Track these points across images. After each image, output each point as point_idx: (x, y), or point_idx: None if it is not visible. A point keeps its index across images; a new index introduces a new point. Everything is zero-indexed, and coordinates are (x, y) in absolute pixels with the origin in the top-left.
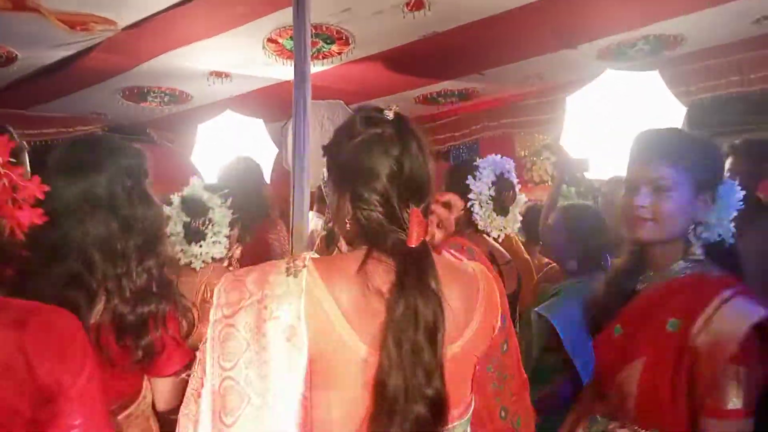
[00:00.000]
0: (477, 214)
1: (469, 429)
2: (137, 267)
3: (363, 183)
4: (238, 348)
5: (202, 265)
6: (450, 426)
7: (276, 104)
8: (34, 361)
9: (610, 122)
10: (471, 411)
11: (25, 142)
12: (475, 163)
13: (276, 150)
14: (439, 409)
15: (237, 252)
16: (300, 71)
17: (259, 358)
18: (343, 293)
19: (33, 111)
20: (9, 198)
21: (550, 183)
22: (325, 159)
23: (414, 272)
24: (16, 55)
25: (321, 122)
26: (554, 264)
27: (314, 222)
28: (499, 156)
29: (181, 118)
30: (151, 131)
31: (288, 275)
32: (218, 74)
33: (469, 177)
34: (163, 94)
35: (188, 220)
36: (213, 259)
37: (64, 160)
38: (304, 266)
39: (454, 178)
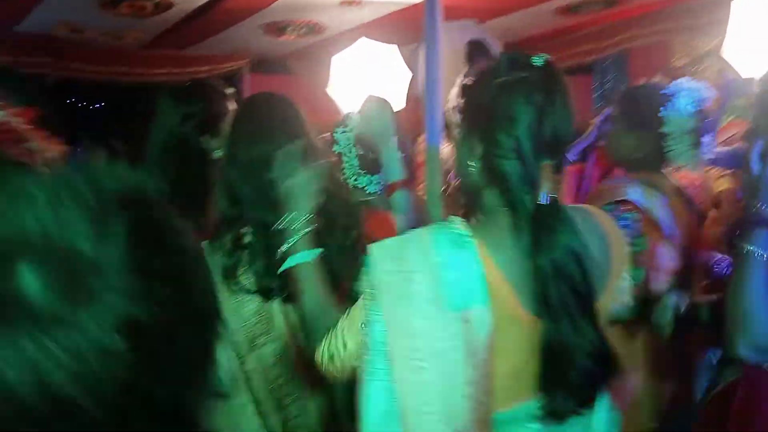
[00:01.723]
0: (673, 151)
1: None
2: None
3: (499, 127)
4: (421, 327)
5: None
6: None
7: (409, 27)
8: None
9: None
10: None
11: None
12: (664, 91)
13: (410, 75)
14: (606, 361)
15: None
16: None
17: (443, 340)
18: (506, 259)
19: (188, 51)
20: (39, 158)
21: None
22: (457, 94)
23: (549, 230)
24: (172, 1)
25: (453, 44)
26: None
27: (444, 150)
28: (688, 79)
29: (317, 48)
30: (291, 64)
31: (455, 247)
32: (350, 2)
33: (662, 107)
34: (299, 27)
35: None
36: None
37: None
38: (470, 236)
39: (637, 108)
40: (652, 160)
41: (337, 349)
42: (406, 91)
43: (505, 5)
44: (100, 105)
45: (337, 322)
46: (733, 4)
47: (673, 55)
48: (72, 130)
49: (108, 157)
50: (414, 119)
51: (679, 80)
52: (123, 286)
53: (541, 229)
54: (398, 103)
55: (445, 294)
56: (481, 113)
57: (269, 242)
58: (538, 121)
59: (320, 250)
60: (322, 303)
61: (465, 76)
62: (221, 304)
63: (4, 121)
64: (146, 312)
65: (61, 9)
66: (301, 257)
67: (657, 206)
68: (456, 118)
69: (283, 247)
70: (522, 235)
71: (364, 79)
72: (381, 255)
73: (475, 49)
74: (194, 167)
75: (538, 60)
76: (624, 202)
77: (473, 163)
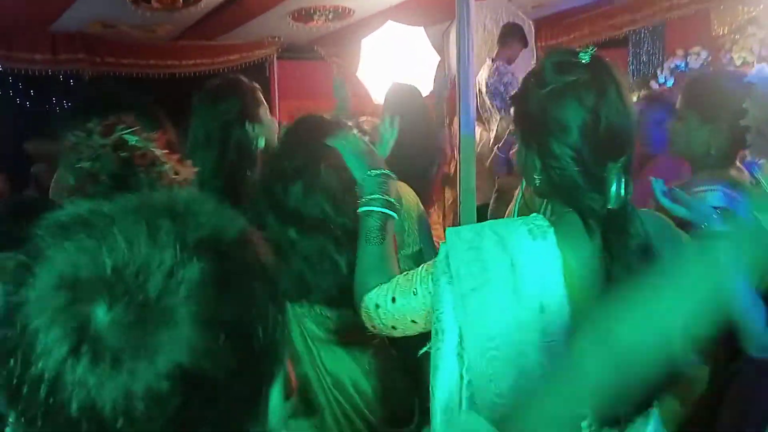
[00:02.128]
0: (754, 147)
1: None
2: None
3: (553, 137)
4: (499, 320)
5: None
6: None
7: (436, 7)
8: None
9: None
10: None
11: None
12: (747, 79)
13: (438, 58)
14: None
15: None
16: None
17: (519, 331)
18: (580, 256)
19: (217, 41)
20: (170, 180)
21: (755, 64)
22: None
23: (618, 238)
24: None
25: (483, 23)
26: None
27: (477, 131)
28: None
29: (345, 32)
30: (319, 48)
31: (534, 238)
32: None
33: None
34: (327, 12)
35: None
36: None
37: None
38: (550, 226)
39: (711, 98)
40: (724, 156)
41: (385, 301)
42: (434, 74)
43: None
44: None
45: (392, 277)
46: None
47: (711, 24)
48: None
49: (202, 193)
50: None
51: (761, 66)
52: (185, 337)
53: (612, 234)
54: (425, 86)
55: (522, 284)
56: (533, 124)
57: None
58: (593, 123)
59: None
60: (386, 255)
61: (493, 60)
62: (283, 342)
63: (141, 146)
64: (204, 363)
65: (95, 6)
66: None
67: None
68: (513, 126)
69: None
70: (595, 237)
71: (392, 63)
72: (459, 243)
73: (510, 32)
74: (239, 154)
75: (584, 56)
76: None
77: (536, 176)
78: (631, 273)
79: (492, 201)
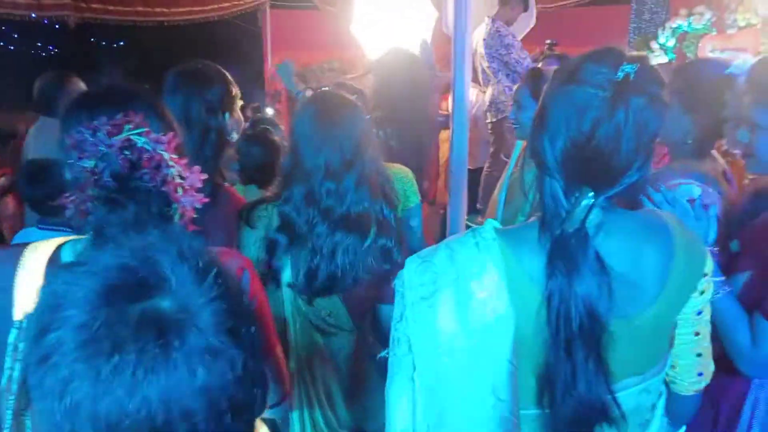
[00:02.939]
0: (730, 139)
1: (663, 386)
2: None
3: (548, 139)
4: (445, 330)
5: None
6: (640, 387)
7: None
8: None
9: None
10: (666, 367)
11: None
12: (730, 71)
13: (436, 14)
14: (597, 406)
15: None
16: None
17: (468, 338)
18: (533, 266)
19: None
20: (178, 186)
21: (758, 26)
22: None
23: (566, 255)
24: None
25: None
26: None
27: (472, 93)
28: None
29: None
30: None
31: (480, 250)
32: None
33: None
34: None
35: None
36: None
37: None
38: (494, 239)
39: (699, 87)
40: (699, 147)
41: None
42: (431, 31)
43: None
44: (121, 44)
45: None
46: None
47: None
48: (95, 67)
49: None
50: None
51: (743, 58)
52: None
53: (560, 258)
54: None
55: (466, 295)
56: (538, 117)
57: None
58: (587, 140)
59: None
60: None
61: (493, 20)
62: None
63: (149, 148)
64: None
65: None
66: None
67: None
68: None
69: None
70: (545, 252)
71: (388, 19)
72: (415, 259)
73: None
74: (213, 143)
75: (628, 68)
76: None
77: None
78: (564, 309)
79: (486, 166)
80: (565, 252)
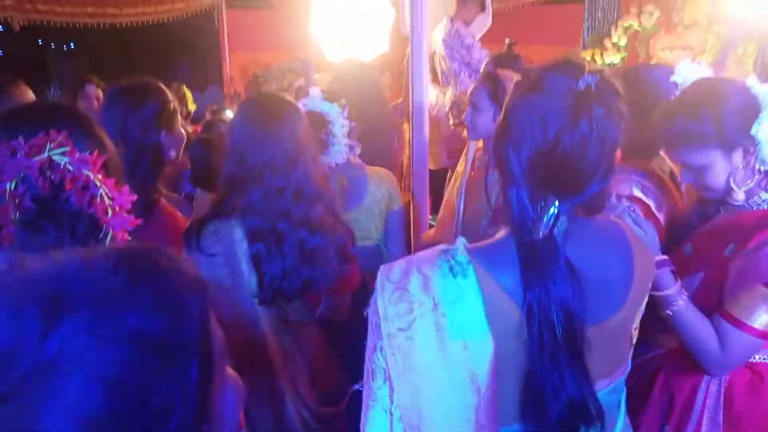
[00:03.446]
0: None
1: (624, 389)
2: None
3: (513, 147)
4: (424, 360)
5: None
6: (609, 387)
7: None
8: None
9: None
10: (629, 366)
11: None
12: (672, 79)
13: (393, 15)
14: (584, 412)
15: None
16: None
17: (447, 368)
18: (510, 283)
19: None
20: (107, 207)
21: (704, 24)
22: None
23: (541, 271)
24: None
25: None
26: None
27: (432, 94)
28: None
29: None
30: None
31: (455, 275)
32: None
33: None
34: None
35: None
36: (336, 164)
37: None
38: (469, 262)
39: (646, 92)
40: (646, 148)
41: None
42: (388, 32)
43: None
44: (72, 46)
45: None
46: None
47: None
48: (43, 70)
49: None
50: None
51: (684, 63)
52: None
53: (533, 267)
54: (382, 45)
55: (445, 324)
56: (501, 128)
57: None
58: (552, 148)
59: None
60: None
61: (452, 21)
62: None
63: (71, 168)
64: None
65: None
66: None
67: (656, 201)
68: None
69: None
70: (520, 263)
71: (345, 18)
72: (387, 283)
73: None
74: (148, 161)
75: (589, 79)
76: (632, 198)
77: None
78: (543, 314)
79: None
80: (537, 261)
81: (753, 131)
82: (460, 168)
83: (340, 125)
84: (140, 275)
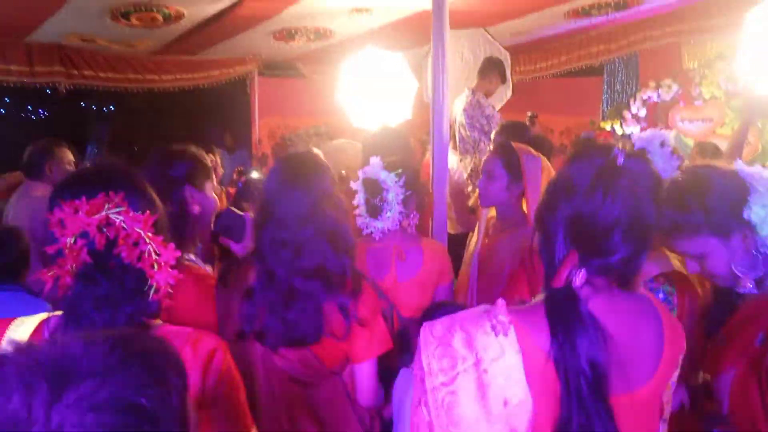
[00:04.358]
0: None
1: None
2: None
3: (547, 210)
4: (466, 415)
5: (380, 236)
6: None
7: (417, 33)
8: None
9: None
10: None
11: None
12: (638, 146)
13: (417, 84)
14: None
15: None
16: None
17: (489, 423)
18: (546, 346)
19: (200, 56)
20: (154, 262)
21: (722, 99)
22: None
23: (563, 317)
24: (183, 12)
25: (461, 53)
26: None
27: (451, 159)
28: (657, 128)
29: (326, 52)
30: (300, 66)
31: (497, 334)
32: (359, 10)
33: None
34: (308, 33)
35: (368, 197)
36: (388, 230)
37: None
38: (510, 322)
39: None
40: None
41: None
42: (412, 101)
43: (515, 9)
44: (111, 108)
45: None
46: (747, 15)
47: (682, 58)
48: (84, 131)
49: None
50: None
51: (652, 133)
52: None
53: (559, 322)
54: (405, 113)
55: (486, 380)
56: (545, 190)
57: None
58: (577, 209)
59: None
60: None
61: (473, 91)
62: None
63: (125, 227)
64: None
65: (73, 20)
66: None
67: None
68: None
69: None
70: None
71: (371, 88)
72: (430, 338)
73: (491, 66)
74: (182, 213)
75: (617, 153)
76: (658, 275)
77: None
78: (574, 373)
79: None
80: (561, 314)
81: (745, 215)
82: (474, 237)
83: (394, 193)
84: (132, 355)
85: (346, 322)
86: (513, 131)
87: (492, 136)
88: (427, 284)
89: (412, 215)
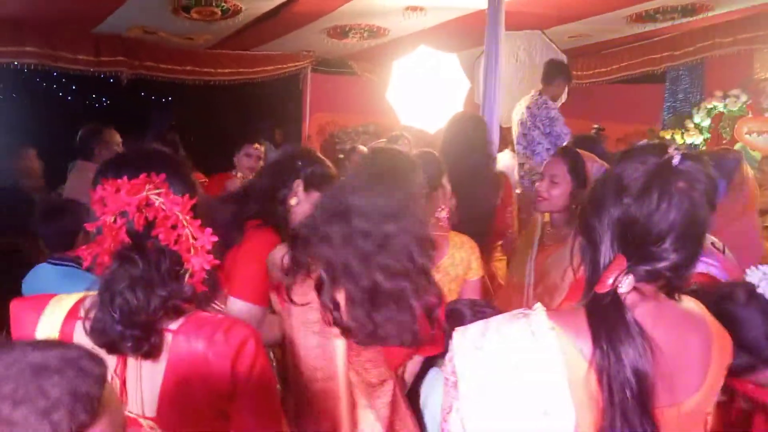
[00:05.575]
0: None
1: None
2: None
3: (594, 213)
4: (501, 425)
5: None
6: None
7: (471, 33)
8: None
9: None
10: None
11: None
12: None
13: (469, 85)
14: None
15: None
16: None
17: (520, 422)
18: (589, 353)
19: (255, 51)
20: (190, 246)
21: None
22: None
23: (607, 325)
24: (241, 7)
25: (516, 54)
26: None
27: (504, 160)
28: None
29: (379, 50)
30: (353, 64)
31: (536, 340)
32: (413, 8)
33: None
34: (362, 30)
35: None
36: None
37: None
38: (552, 328)
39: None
40: None
41: None
42: (463, 101)
43: (574, 12)
44: (169, 99)
45: None
46: None
47: (753, 67)
48: (143, 120)
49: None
50: None
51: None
52: None
53: (602, 329)
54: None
55: (525, 386)
56: (590, 192)
57: None
58: (623, 213)
59: None
60: None
61: (540, 93)
62: None
63: (164, 208)
64: None
65: (137, 13)
66: None
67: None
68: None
69: None
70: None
71: (423, 87)
72: (465, 343)
73: (555, 70)
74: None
75: (673, 153)
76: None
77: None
78: (618, 384)
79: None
80: (605, 321)
81: None
82: (524, 246)
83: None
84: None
85: (431, 326)
86: (583, 144)
87: (554, 140)
88: (450, 273)
89: (439, 209)
